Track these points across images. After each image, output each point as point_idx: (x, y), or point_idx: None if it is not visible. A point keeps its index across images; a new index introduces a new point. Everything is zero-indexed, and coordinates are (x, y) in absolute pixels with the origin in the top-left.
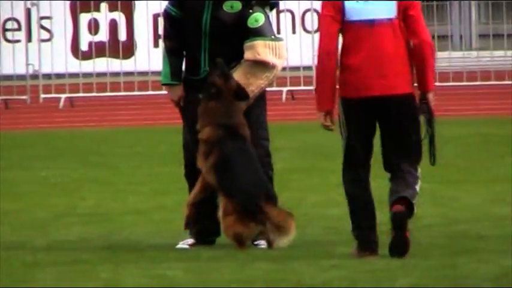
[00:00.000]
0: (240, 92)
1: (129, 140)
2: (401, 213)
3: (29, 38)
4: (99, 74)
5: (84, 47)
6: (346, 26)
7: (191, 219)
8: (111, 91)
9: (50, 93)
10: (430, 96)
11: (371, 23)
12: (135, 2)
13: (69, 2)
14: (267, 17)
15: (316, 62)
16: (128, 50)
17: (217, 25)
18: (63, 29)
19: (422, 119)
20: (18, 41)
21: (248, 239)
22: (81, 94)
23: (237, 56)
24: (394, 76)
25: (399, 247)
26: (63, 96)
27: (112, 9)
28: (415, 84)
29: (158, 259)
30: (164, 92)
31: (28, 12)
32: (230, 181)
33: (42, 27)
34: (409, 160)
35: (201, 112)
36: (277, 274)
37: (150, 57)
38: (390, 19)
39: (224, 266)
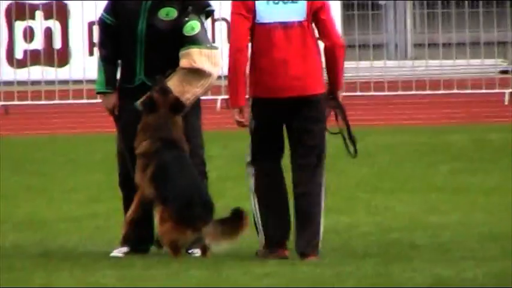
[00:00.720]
0: (177, 105)
1: (64, 148)
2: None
3: None
4: (34, 82)
5: (19, 55)
6: (257, 27)
7: (128, 236)
8: (46, 99)
9: None
10: (339, 93)
11: (283, 26)
12: (70, 10)
13: (3, 9)
14: (203, 25)
15: None
16: (63, 58)
17: (152, 33)
18: None
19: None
20: None
21: (184, 246)
22: (16, 102)
23: (172, 64)
24: (308, 77)
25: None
26: None
27: (47, 17)
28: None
29: (92, 267)
30: (99, 100)
31: None
32: (167, 188)
33: None
34: (315, 158)
35: (140, 128)
36: (211, 282)
37: (85, 65)
38: (300, 21)
39: (158, 274)
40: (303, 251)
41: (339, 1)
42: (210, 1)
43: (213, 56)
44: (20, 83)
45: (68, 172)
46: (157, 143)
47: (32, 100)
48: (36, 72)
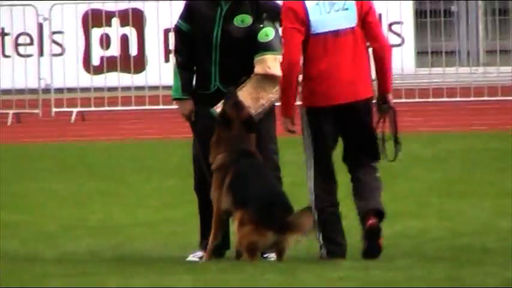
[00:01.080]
0: (250, 123)
1: (139, 154)
2: (376, 226)
3: (41, 53)
4: (110, 88)
5: (95, 61)
6: (311, 38)
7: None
8: (122, 105)
9: (62, 107)
10: (390, 96)
11: (336, 34)
12: (146, 16)
13: (81, 16)
14: (277, 32)
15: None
16: (139, 64)
17: (227, 39)
18: (75, 44)
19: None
20: (30, 55)
21: (263, 248)
22: (92, 108)
23: (247, 70)
24: (359, 82)
25: (373, 253)
26: (74, 110)
27: (123, 23)
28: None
29: (167, 271)
30: (175, 106)
31: (40, 27)
32: (246, 193)
33: (54, 41)
34: (373, 160)
35: (214, 142)
36: (286, 286)
37: (160, 71)
38: (352, 28)
39: (233, 278)
40: (368, 209)
41: (412, 8)
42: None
43: None
44: (97, 89)
45: (144, 177)
46: (233, 154)
47: (108, 106)
48: (113, 79)
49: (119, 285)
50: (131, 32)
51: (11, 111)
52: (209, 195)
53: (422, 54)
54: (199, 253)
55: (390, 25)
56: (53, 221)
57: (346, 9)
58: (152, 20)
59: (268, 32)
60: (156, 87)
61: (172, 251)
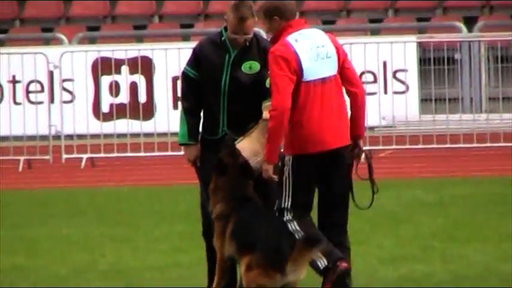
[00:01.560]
0: (246, 170)
1: (148, 199)
2: (348, 270)
3: (51, 100)
4: (120, 135)
5: (105, 108)
6: (302, 85)
7: None
8: (132, 151)
9: (72, 153)
10: (361, 142)
11: (323, 81)
12: (155, 64)
13: (91, 64)
14: None
15: None
16: (147, 111)
17: (235, 85)
18: (85, 91)
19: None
20: (41, 102)
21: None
22: (102, 154)
23: (254, 116)
24: (343, 128)
25: None
26: (84, 156)
27: (132, 71)
28: None
29: None
30: (182, 152)
31: (51, 75)
32: (249, 239)
33: (64, 89)
34: (344, 212)
35: (211, 190)
36: None
37: (169, 118)
38: (335, 75)
39: None
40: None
41: (416, 56)
42: None
43: None
44: (106, 135)
45: (153, 222)
46: (231, 202)
47: (118, 152)
48: (122, 125)
49: None
50: (140, 79)
51: (22, 158)
52: None
53: (426, 102)
54: None
55: (395, 73)
56: (64, 265)
57: (329, 57)
58: (161, 67)
59: None
60: (164, 134)
61: None
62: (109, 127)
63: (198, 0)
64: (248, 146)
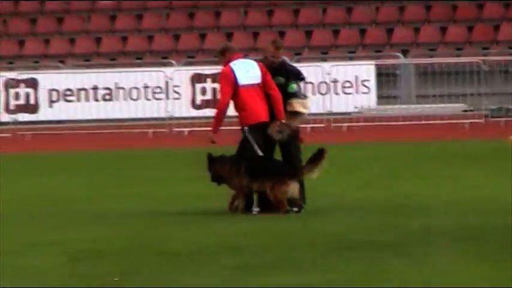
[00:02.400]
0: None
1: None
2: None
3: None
4: None
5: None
6: (239, 88)
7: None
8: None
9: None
10: (282, 120)
11: (252, 85)
12: None
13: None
14: (299, 85)
15: None
16: None
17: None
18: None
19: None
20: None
21: (294, 195)
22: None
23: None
24: (266, 112)
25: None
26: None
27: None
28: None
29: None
30: None
31: (166, 84)
32: (259, 170)
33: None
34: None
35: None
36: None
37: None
38: (258, 83)
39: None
40: None
41: (374, 72)
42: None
43: (305, 103)
44: None
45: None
46: (239, 163)
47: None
48: None
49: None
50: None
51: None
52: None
53: (381, 98)
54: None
55: (362, 82)
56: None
57: (254, 71)
58: None
59: (293, 87)
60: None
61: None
62: None
63: None
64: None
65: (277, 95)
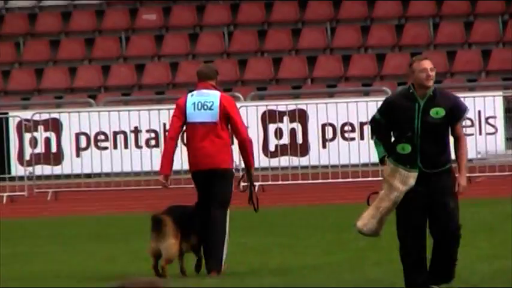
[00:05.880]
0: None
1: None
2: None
3: None
4: (283, 168)
5: (272, 148)
6: (188, 124)
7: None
8: (292, 180)
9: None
10: (252, 169)
11: (203, 124)
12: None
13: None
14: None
15: None
16: (303, 149)
17: (426, 128)
18: (256, 135)
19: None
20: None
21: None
22: (270, 182)
23: (440, 153)
24: (218, 156)
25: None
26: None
27: (292, 120)
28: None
29: None
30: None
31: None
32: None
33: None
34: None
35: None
36: None
37: (320, 154)
38: (214, 122)
39: None
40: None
41: (502, 105)
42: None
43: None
44: (273, 168)
45: (308, 233)
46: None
47: (281, 181)
48: (285, 161)
49: None
50: (298, 126)
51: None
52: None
53: (510, 140)
54: None
55: (487, 119)
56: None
57: (212, 109)
58: (313, 117)
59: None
60: (316, 167)
61: None
62: (275, 162)
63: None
64: (367, 213)
65: (245, 142)
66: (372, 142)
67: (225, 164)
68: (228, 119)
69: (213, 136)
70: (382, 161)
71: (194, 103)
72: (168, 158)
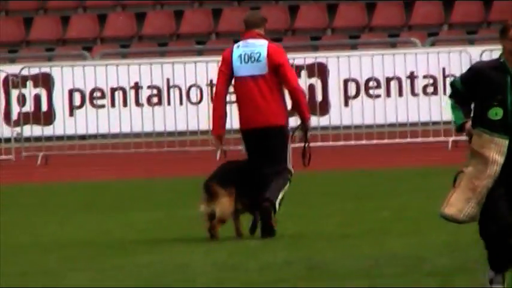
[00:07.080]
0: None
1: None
2: (269, 208)
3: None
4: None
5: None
6: (236, 78)
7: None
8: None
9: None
10: (307, 123)
11: (251, 77)
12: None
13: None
14: None
15: None
16: (322, 108)
17: None
18: None
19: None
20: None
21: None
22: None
23: None
24: (270, 112)
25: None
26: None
27: (310, 75)
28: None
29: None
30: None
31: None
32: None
33: None
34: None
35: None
36: None
37: (341, 114)
38: (263, 74)
39: None
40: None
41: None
42: None
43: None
44: None
45: (325, 201)
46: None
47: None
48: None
49: None
50: (317, 81)
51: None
52: None
53: None
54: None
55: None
56: None
57: (259, 61)
58: (334, 72)
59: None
60: (337, 127)
61: (351, 260)
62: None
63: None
64: (459, 197)
65: (297, 92)
66: (399, 100)
67: (278, 120)
68: (278, 71)
69: (264, 90)
70: (460, 127)
71: (240, 55)
72: (217, 117)
